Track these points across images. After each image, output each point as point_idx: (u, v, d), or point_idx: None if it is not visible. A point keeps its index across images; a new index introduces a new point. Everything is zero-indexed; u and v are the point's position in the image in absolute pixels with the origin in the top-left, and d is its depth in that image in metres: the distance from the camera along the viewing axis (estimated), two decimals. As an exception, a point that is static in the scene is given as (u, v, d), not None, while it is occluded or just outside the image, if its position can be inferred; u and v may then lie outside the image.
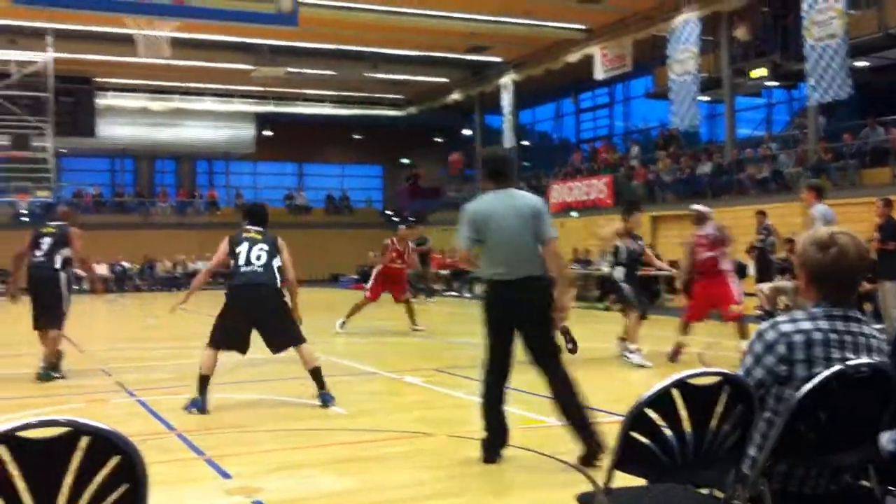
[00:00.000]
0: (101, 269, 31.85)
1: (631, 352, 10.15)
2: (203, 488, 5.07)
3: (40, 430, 1.82)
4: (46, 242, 9.42)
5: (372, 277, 14.63)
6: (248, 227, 7.89)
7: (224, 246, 7.80)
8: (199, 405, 7.29)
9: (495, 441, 5.47)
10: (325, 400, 7.54)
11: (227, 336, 7.60)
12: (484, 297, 5.63)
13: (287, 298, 7.77)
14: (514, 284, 5.38)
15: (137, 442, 1.92)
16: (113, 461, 1.86)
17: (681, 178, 23.59)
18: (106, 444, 1.86)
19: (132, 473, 1.88)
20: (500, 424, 5.48)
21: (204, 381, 7.38)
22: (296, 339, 7.67)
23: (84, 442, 1.84)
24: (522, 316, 5.43)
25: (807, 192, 10.72)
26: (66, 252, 9.43)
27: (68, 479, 1.83)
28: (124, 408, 7.76)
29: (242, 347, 7.69)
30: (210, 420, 7.10)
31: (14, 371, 8.91)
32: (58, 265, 9.32)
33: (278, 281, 7.65)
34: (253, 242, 7.69)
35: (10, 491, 1.77)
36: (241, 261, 7.60)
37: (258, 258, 7.60)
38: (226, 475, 5.23)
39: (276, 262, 7.68)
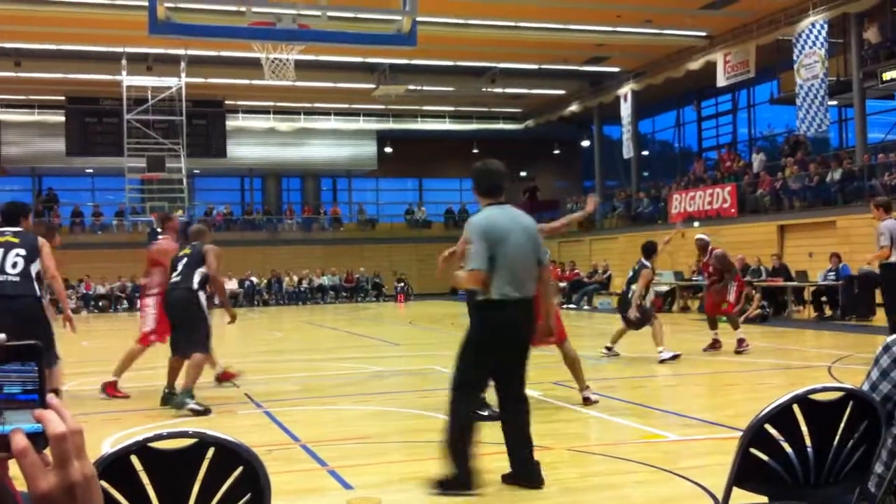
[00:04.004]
0: (231, 285, 33.05)
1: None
2: (325, 498, 5.19)
3: (170, 441, 1.92)
4: (181, 263, 8.87)
5: None
6: (3, 229, 7.16)
7: None
8: None
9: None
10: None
11: None
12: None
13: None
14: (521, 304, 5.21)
15: (263, 452, 2.00)
16: (237, 471, 1.93)
17: (809, 186, 22.83)
18: (231, 454, 1.93)
19: (255, 483, 1.94)
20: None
21: None
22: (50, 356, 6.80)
23: (210, 452, 1.92)
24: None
25: (875, 209, 11.52)
26: (202, 271, 8.78)
27: (195, 488, 1.92)
28: (251, 419, 7.99)
29: None
30: (334, 431, 7.27)
31: (149, 384, 9.31)
32: (195, 285, 8.62)
33: (37, 289, 6.96)
34: (8, 247, 6.95)
35: (141, 499, 1.86)
36: None
37: (14, 266, 6.86)
38: (348, 486, 5.34)
39: (36, 267, 6.94)
